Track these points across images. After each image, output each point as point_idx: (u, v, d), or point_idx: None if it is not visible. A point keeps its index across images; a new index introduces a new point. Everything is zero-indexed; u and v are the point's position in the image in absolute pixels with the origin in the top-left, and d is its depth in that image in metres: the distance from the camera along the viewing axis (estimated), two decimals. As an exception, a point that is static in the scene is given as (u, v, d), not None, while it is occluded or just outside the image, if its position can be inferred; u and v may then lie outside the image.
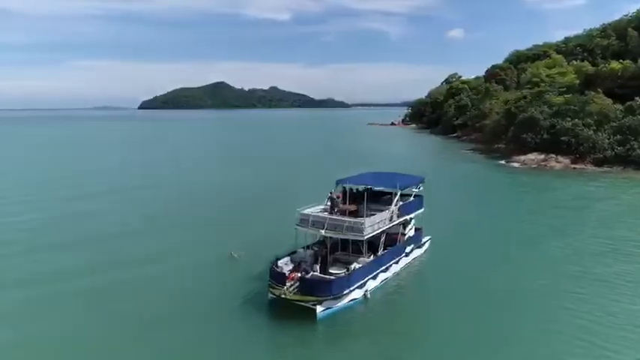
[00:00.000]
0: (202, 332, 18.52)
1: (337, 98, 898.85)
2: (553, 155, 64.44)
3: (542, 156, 65.11)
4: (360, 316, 20.18)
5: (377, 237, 22.94)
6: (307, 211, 23.11)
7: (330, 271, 21.83)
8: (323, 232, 21.89)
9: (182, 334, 18.37)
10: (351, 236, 21.76)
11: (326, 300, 19.63)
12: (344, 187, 26.08)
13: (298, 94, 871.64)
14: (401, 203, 25.32)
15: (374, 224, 22.17)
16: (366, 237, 21.47)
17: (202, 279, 23.96)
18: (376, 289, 22.32)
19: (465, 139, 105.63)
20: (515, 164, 64.78)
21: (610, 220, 35.62)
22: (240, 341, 17.96)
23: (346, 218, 22.15)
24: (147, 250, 28.52)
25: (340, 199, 24.91)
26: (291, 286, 20.21)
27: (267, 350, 17.71)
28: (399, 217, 24.44)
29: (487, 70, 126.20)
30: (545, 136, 66.70)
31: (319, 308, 19.43)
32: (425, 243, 27.98)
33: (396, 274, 24.29)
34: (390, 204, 24.56)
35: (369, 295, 21.58)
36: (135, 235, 32.18)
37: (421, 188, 27.56)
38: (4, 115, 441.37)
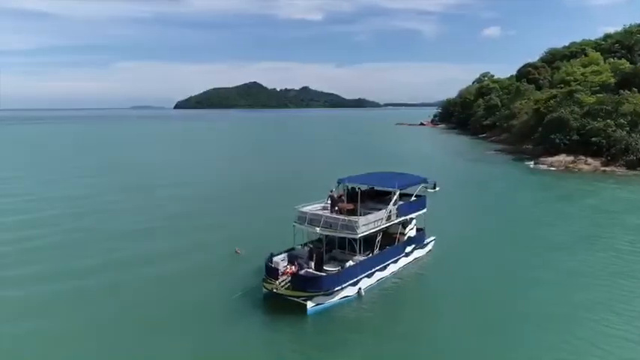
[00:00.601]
0: (198, 322, 18.88)
1: (369, 98, 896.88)
2: (582, 157, 61.95)
3: (571, 157, 62.68)
4: (352, 313, 20.00)
5: (373, 236, 22.69)
6: (305, 208, 23.11)
7: (325, 268, 21.70)
8: (318, 229, 21.84)
9: (180, 322, 18.90)
10: (345, 234, 21.59)
11: (317, 296, 19.57)
12: (346, 186, 26.12)
13: (330, 94, 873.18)
14: (401, 203, 25.02)
15: (369, 223, 21.92)
16: (359, 235, 21.26)
17: (208, 273, 24.26)
18: (371, 287, 22.07)
19: (493, 139, 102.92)
20: (542, 166, 62.61)
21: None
22: (232, 332, 18.19)
23: (341, 216, 22.02)
24: (161, 246, 29.12)
25: (343, 197, 24.98)
26: (284, 281, 20.29)
27: (256, 342, 17.72)
28: (397, 216, 24.06)
29: (519, 69, 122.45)
30: (574, 137, 64.22)
31: (310, 303, 19.43)
32: (428, 244, 27.42)
33: (395, 274, 23.92)
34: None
35: (363, 293, 21.38)
36: (152, 231, 32.87)
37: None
38: (48, 115, 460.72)
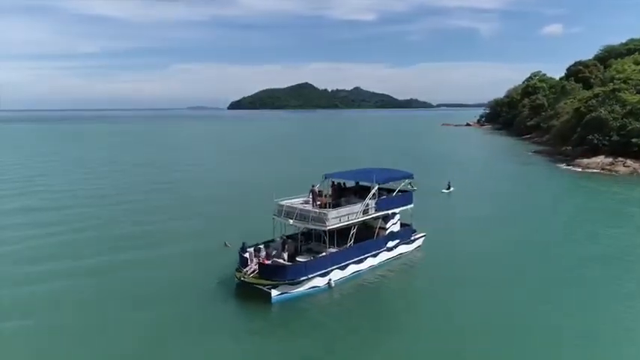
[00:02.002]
0: (170, 305, 20.13)
1: (421, 99, 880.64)
2: (622, 159, 58.54)
3: (610, 159, 59.37)
4: (318, 304, 20.55)
5: (348, 229, 23.23)
6: (284, 202, 24.02)
7: (298, 259, 22.53)
8: (291, 221, 22.70)
9: (156, 302, 20.30)
10: (316, 226, 22.31)
11: (281, 284, 20.39)
12: (332, 181, 26.87)
13: (381, 95, 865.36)
14: (384, 197, 25.38)
15: (340, 216, 22.49)
16: (328, 227, 21.87)
17: (197, 264, 25.27)
18: (344, 280, 22.62)
19: (536, 140, 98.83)
20: (577, 168, 59.73)
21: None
22: (198, 315, 19.26)
23: (313, 209, 22.74)
24: (165, 237, 31.20)
25: (325, 192, 25.81)
26: (252, 270, 21.27)
27: (216, 325, 18.67)
28: (377, 210, 24.45)
29: (568, 68, 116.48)
30: (614, 137, 60.76)
31: (274, 292, 20.27)
32: (416, 240, 27.49)
33: (373, 268, 24.30)
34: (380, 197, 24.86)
35: (333, 285, 21.97)
36: (166, 223, 35.09)
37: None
38: (109, 115, 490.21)
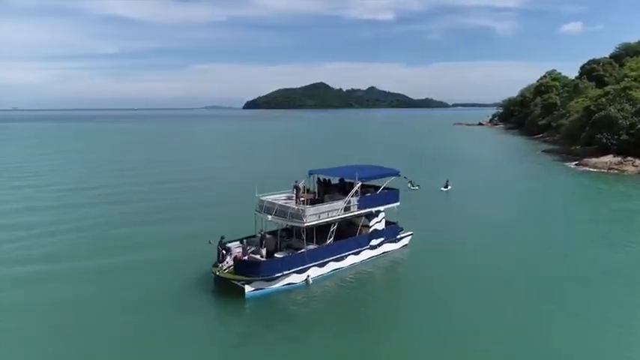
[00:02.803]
0: (147, 303, 20.07)
1: (437, 98, 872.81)
2: (631, 158, 57.12)
3: (618, 159, 57.98)
4: (294, 301, 20.36)
5: (327, 226, 23.08)
6: (266, 197, 23.98)
7: (277, 255, 22.46)
8: (270, 217, 22.66)
9: (134, 304, 20.09)
10: (294, 222, 22.20)
11: (255, 280, 20.34)
12: (318, 178, 26.76)
13: (397, 94, 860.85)
14: (368, 195, 25.20)
15: (319, 213, 22.36)
16: (305, 224, 21.75)
17: (180, 260, 25.07)
18: (323, 277, 22.49)
19: (547, 140, 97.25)
20: (584, 167, 58.49)
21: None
22: (173, 310, 19.30)
23: (292, 205, 22.65)
24: (150, 234, 31.61)
25: (309, 188, 25.76)
26: (228, 265, 21.26)
27: (187, 319, 18.64)
28: (359, 208, 24.25)
29: (582, 66, 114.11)
30: (623, 136, 59.32)
31: (248, 288, 20.23)
32: (403, 238, 27.19)
33: (354, 266, 24.09)
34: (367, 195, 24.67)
35: (310, 282, 21.85)
36: (155, 219, 35.51)
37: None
38: (128, 114, 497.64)
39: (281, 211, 22.48)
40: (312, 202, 24.05)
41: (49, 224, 32.75)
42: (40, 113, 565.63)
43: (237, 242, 22.71)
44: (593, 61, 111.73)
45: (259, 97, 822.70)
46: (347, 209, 23.70)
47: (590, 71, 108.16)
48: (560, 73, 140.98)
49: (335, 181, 27.19)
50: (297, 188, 24.62)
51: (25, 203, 40.14)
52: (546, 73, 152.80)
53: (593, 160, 59.42)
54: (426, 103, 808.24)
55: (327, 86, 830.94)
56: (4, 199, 42.26)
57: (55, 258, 25.91)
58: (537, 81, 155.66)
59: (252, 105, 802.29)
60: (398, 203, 26.67)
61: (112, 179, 53.26)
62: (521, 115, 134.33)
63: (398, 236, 26.92)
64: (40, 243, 28.58)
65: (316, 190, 26.45)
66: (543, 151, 79.57)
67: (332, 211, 23.04)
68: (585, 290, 21.26)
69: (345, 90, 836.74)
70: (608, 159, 58.50)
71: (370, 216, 25.14)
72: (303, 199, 24.27)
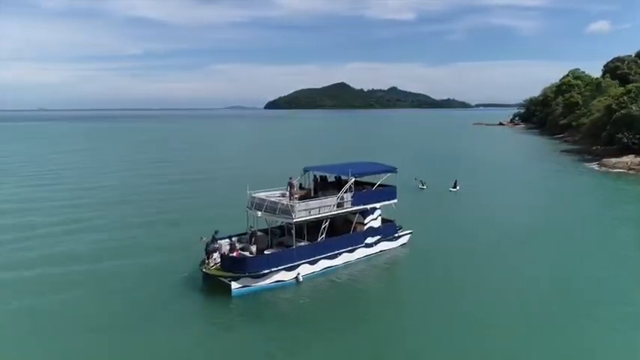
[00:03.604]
0: (133, 298, 19.95)
1: (459, 98, 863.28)
2: (652, 158, 54.87)
3: (639, 159, 55.74)
4: (281, 298, 19.95)
5: (319, 223, 22.63)
6: (256, 194, 23.65)
7: (265, 252, 22.11)
8: (260, 213, 22.33)
9: (121, 298, 19.99)
10: (283, 218, 21.83)
11: (242, 277, 19.99)
12: (315, 175, 26.38)
13: (418, 94, 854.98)
14: (363, 191, 24.68)
15: (309, 209, 21.91)
16: (295, 220, 21.33)
17: (172, 257, 24.78)
18: (315, 275, 22.03)
19: (569, 139, 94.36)
20: (604, 167, 56.36)
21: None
22: (160, 308, 19.04)
23: (281, 201, 22.28)
24: (146, 232, 31.70)
25: (305, 185, 25.47)
26: (215, 262, 20.96)
27: (174, 315, 18.42)
28: (353, 205, 23.71)
29: (606, 64, 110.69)
30: (645, 136, 57.08)
31: (235, 284, 19.88)
32: (401, 237, 26.50)
33: (349, 264, 23.53)
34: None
35: (301, 279, 21.42)
36: (158, 219, 35.75)
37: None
38: (151, 114, 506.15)
39: (271, 208, 22.12)
40: (304, 199, 23.61)
41: (58, 223, 33.27)
42: (66, 113, 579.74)
43: (227, 239, 22.47)
44: (618, 59, 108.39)
45: (280, 97, 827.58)
46: (340, 205, 23.18)
47: (614, 69, 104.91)
48: (583, 72, 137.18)
49: (332, 178, 26.77)
50: (290, 185, 24.22)
51: (21, 204, 40.81)
52: (569, 71, 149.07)
53: (613, 160, 57.27)
54: (448, 104, 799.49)
55: (348, 86, 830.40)
56: None
57: (51, 256, 26.17)
58: (560, 80, 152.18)
59: (273, 105, 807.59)
60: (395, 200, 25.99)
61: (136, 178, 53.98)
62: (543, 114, 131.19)
63: (396, 234, 26.26)
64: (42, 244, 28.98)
65: (312, 187, 26.05)
66: (563, 151, 77.19)
67: (323, 207, 22.55)
68: (607, 294, 20.28)
69: (365, 90, 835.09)
70: (629, 159, 56.31)
71: (365, 213, 24.54)
72: (296, 195, 23.93)
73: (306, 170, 25.85)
